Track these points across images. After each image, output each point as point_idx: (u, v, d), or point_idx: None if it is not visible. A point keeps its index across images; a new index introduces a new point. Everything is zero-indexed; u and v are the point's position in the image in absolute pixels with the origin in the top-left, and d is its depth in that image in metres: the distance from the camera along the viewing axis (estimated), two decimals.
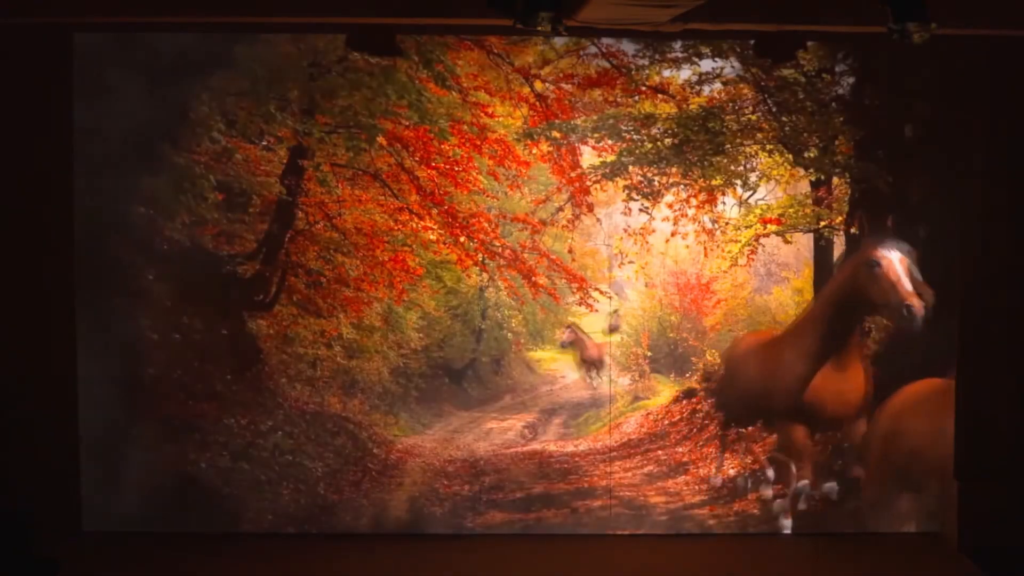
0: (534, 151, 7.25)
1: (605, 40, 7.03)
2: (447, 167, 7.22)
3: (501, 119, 7.24)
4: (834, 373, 6.72)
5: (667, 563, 6.49)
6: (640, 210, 7.24)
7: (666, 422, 7.49)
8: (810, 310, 6.90)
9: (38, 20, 6.07)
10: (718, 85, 7.09)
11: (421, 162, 7.20)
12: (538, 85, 7.22)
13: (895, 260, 5.91)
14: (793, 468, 6.70)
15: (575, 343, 7.49)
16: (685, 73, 7.12)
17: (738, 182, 7.19)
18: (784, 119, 7.07)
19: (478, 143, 7.22)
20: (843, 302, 6.68)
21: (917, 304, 5.62)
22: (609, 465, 7.25)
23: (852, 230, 7.06)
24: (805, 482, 6.75)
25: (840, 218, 7.11)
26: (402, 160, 7.21)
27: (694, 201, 7.23)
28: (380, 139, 7.08)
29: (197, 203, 6.95)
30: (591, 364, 7.51)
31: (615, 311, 6.99)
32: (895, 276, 5.78)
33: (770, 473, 6.91)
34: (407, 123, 7.09)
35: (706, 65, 7.08)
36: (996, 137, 6.57)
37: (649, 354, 7.51)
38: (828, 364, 6.76)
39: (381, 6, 5.77)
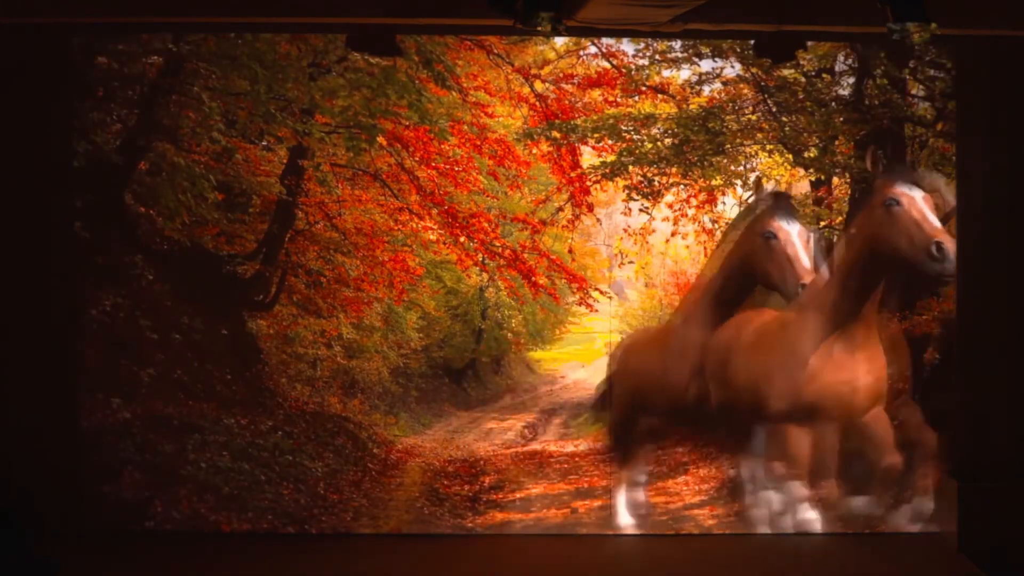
0: (534, 151, 7.25)
1: (605, 40, 7.04)
2: (447, 167, 7.22)
3: (501, 119, 7.24)
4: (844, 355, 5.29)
5: (667, 563, 6.48)
6: (640, 210, 7.24)
7: None
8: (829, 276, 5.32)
9: (38, 20, 6.07)
10: (718, 85, 7.10)
11: (421, 162, 7.20)
12: (538, 85, 7.22)
13: (918, 198, 4.85)
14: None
15: None
16: (685, 73, 7.14)
17: (738, 182, 7.20)
18: (784, 119, 7.07)
19: (478, 143, 7.22)
20: (867, 254, 5.31)
21: (948, 241, 4.57)
22: (609, 465, 7.25)
23: (868, 167, 6.09)
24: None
25: (840, 218, 7.11)
26: (402, 160, 7.21)
27: (694, 201, 7.23)
28: (380, 139, 7.08)
29: (197, 203, 6.95)
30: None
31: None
32: (918, 214, 4.69)
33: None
34: (407, 123, 7.09)
35: (706, 65, 7.09)
36: (996, 136, 6.56)
37: None
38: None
39: (381, 6, 5.76)
